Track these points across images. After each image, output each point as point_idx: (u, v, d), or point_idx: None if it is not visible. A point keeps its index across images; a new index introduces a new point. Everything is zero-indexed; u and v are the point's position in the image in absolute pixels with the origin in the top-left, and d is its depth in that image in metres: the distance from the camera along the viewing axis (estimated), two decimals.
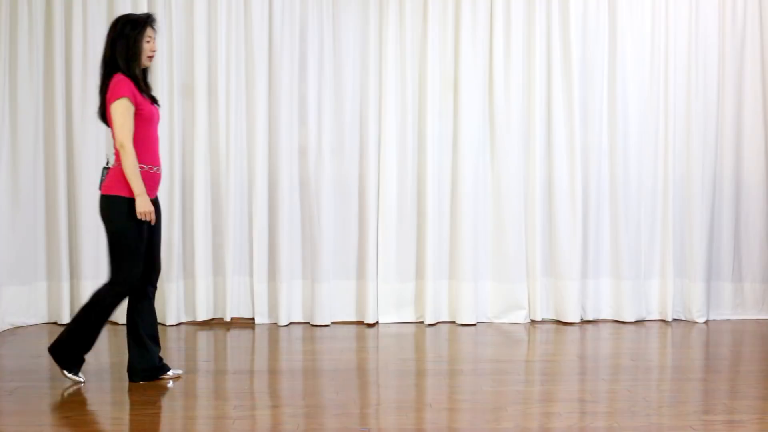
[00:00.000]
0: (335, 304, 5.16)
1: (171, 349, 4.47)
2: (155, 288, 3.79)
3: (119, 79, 3.57)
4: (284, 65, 5.07)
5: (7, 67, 4.97)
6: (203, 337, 4.77)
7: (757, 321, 5.27)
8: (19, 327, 4.99)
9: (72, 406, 3.35)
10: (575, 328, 5.05)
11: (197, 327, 5.05)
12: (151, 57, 3.68)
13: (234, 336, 4.83)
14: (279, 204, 5.08)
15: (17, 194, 5.00)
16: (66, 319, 5.03)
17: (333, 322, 5.12)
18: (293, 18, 5.09)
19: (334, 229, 5.14)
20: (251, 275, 5.16)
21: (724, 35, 5.24)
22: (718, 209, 5.30)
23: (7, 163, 4.98)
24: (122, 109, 3.53)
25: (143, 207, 3.54)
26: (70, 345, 3.66)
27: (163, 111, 5.04)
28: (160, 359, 3.78)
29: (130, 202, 3.55)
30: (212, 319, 5.18)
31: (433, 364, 4.17)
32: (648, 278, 5.27)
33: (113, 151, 3.66)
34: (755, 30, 5.26)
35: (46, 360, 4.21)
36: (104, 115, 3.68)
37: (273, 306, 5.14)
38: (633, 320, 5.20)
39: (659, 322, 5.22)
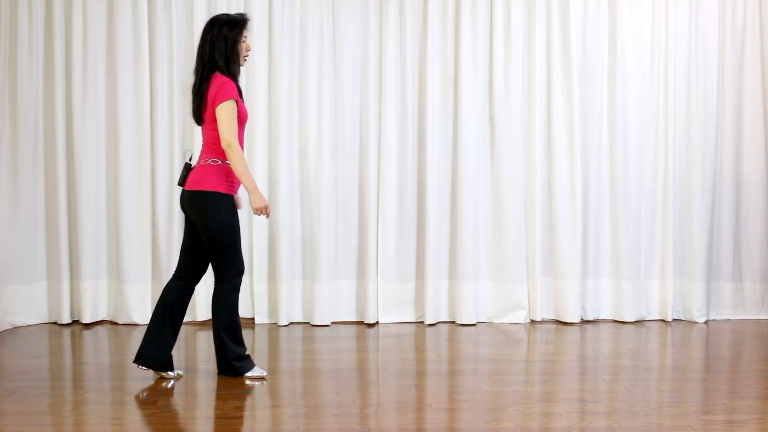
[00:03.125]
0: (335, 304, 5.16)
1: None
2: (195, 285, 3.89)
3: (225, 81, 3.59)
4: (284, 65, 5.07)
5: (7, 67, 4.97)
6: (203, 337, 4.77)
7: (757, 321, 5.28)
8: (19, 327, 4.99)
9: (72, 406, 3.36)
10: (575, 328, 5.05)
11: (197, 327, 5.05)
12: (246, 57, 3.75)
13: None
14: (279, 204, 5.08)
15: (17, 194, 5.00)
16: (66, 319, 5.04)
17: (333, 322, 5.12)
18: (293, 18, 5.09)
19: (334, 229, 5.14)
20: (251, 275, 5.16)
21: (724, 35, 5.24)
22: (718, 209, 5.30)
23: (7, 163, 4.98)
24: (230, 111, 3.56)
25: (260, 202, 3.64)
26: (231, 353, 3.74)
27: (163, 111, 5.07)
28: (171, 356, 3.82)
29: (229, 198, 3.64)
30: None
31: (433, 364, 4.17)
32: (648, 278, 5.27)
33: (202, 148, 3.71)
34: (755, 30, 5.26)
35: (46, 360, 4.21)
36: (200, 115, 3.68)
37: (273, 306, 5.14)
38: (633, 320, 5.21)
39: (659, 322, 5.22)
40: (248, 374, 3.76)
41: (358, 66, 5.15)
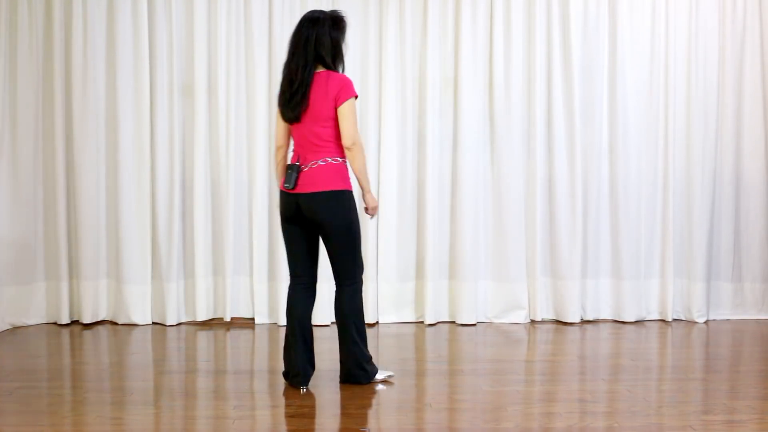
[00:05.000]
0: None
1: (171, 349, 4.48)
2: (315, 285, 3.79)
3: (346, 78, 3.53)
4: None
5: (7, 66, 4.97)
6: (203, 337, 4.77)
7: (757, 321, 5.28)
8: (19, 327, 4.99)
9: (72, 406, 3.35)
10: (575, 328, 5.05)
11: (197, 327, 5.05)
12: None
13: (234, 336, 4.83)
14: None
15: (17, 194, 5.00)
16: (66, 319, 5.04)
17: (333, 322, 5.12)
18: (293, 18, 5.08)
19: None
20: (251, 275, 5.16)
21: (724, 35, 5.24)
22: (718, 209, 5.30)
23: (7, 162, 4.98)
24: (353, 109, 3.50)
25: (374, 202, 3.64)
26: (364, 357, 3.66)
27: (163, 111, 5.06)
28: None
29: (352, 195, 3.59)
30: (212, 319, 5.19)
31: (433, 364, 4.16)
32: (648, 278, 5.27)
33: (313, 147, 3.54)
34: (755, 30, 5.26)
35: (46, 360, 4.21)
36: (300, 113, 3.52)
37: (273, 306, 5.14)
38: (633, 320, 5.21)
39: (659, 322, 5.22)
40: (378, 377, 3.70)
41: (358, 66, 5.14)
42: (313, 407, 3.34)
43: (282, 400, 3.48)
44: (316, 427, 3.08)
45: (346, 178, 3.56)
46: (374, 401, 3.44)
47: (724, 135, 5.28)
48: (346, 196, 3.54)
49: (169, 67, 5.05)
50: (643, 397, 3.48)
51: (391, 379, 3.74)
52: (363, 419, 3.19)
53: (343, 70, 3.62)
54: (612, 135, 5.23)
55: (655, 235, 5.26)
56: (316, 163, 3.52)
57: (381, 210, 5.13)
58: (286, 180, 3.54)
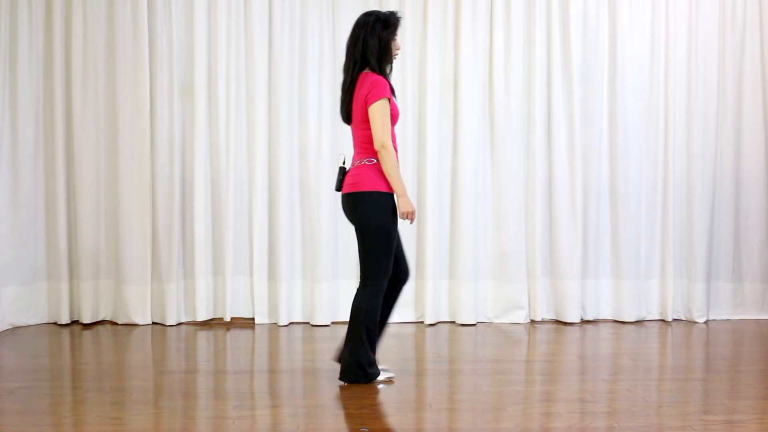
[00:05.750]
0: (335, 304, 5.16)
1: (171, 349, 4.48)
2: (402, 287, 3.79)
3: (377, 79, 3.52)
4: (284, 65, 5.07)
5: (7, 67, 4.97)
6: (203, 337, 4.77)
7: (757, 321, 5.28)
8: (19, 327, 4.99)
9: (72, 406, 3.35)
10: (575, 328, 5.05)
11: (197, 327, 5.05)
12: (396, 56, 3.68)
13: (234, 336, 4.83)
14: (279, 204, 5.08)
15: (17, 194, 5.00)
16: (66, 319, 5.04)
17: (333, 322, 5.12)
18: (293, 18, 5.09)
19: (334, 229, 5.14)
20: (251, 275, 5.16)
21: (724, 35, 5.24)
22: (718, 209, 5.30)
23: (7, 162, 4.98)
24: (384, 110, 3.50)
25: (408, 206, 3.56)
26: (365, 358, 3.63)
27: (163, 111, 5.06)
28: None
29: (389, 196, 3.56)
30: (212, 319, 5.19)
31: (433, 364, 4.17)
32: (648, 278, 5.27)
33: (355, 149, 3.63)
34: (755, 30, 5.26)
35: (46, 360, 4.21)
36: (349, 114, 3.62)
37: (273, 306, 5.14)
38: (633, 320, 5.21)
39: (659, 322, 5.22)
40: (379, 378, 3.69)
41: None
42: (313, 407, 3.34)
43: (282, 400, 3.48)
44: (316, 427, 3.08)
45: (377, 180, 3.54)
46: (374, 401, 3.44)
47: (724, 135, 5.28)
48: (373, 196, 3.53)
49: (169, 67, 5.05)
50: (643, 397, 3.48)
51: (391, 380, 3.74)
52: (363, 419, 3.19)
53: (390, 71, 3.63)
54: (612, 135, 5.23)
55: (655, 235, 5.26)
56: (355, 165, 3.60)
57: None
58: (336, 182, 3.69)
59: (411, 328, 5.03)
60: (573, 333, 4.92)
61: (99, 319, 5.13)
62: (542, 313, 5.24)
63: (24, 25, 4.99)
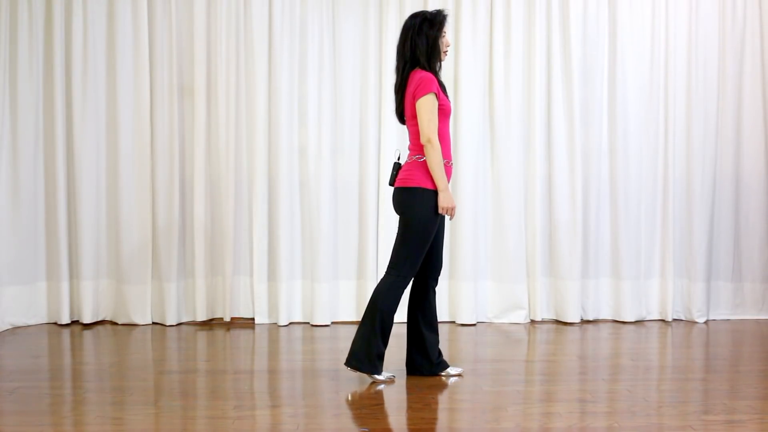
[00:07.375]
0: (335, 304, 5.16)
1: (171, 349, 4.48)
2: (436, 283, 3.87)
3: (424, 75, 3.57)
4: (284, 65, 5.07)
5: (7, 67, 4.97)
6: (203, 337, 4.77)
7: (757, 321, 5.28)
8: (19, 327, 5.00)
9: (72, 406, 3.35)
10: (575, 328, 5.05)
11: (197, 327, 5.05)
12: (446, 53, 3.71)
13: (234, 336, 4.83)
14: (279, 204, 5.08)
15: (17, 194, 5.00)
16: (66, 319, 5.04)
17: (333, 322, 5.12)
18: (293, 18, 5.09)
19: (334, 229, 5.14)
20: (251, 275, 5.16)
21: (724, 35, 5.25)
22: (718, 209, 5.30)
23: (7, 162, 4.98)
24: (430, 105, 3.54)
25: (447, 202, 3.59)
26: (371, 349, 3.65)
27: (163, 111, 5.06)
28: (439, 354, 3.85)
29: (435, 194, 3.59)
30: (212, 319, 5.19)
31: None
32: (648, 278, 5.27)
33: (409, 146, 3.70)
34: (755, 30, 5.26)
35: (46, 360, 4.21)
36: (403, 113, 3.70)
37: (273, 306, 5.15)
38: (633, 320, 5.21)
39: (659, 322, 5.23)
40: (377, 376, 3.70)
41: (357, 66, 5.15)
42: (313, 407, 3.34)
43: (282, 400, 3.48)
44: (316, 427, 3.08)
45: (424, 178, 3.59)
46: (374, 401, 3.44)
47: (724, 135, 5.28)
48: (420, 192, 3.59)
49: (169, 67, 5.05)
50: (643, 397, 3.48)
51: (391, 379, 3.74)
52: (363, 419, 3.18)
53: (438, 68, 3.67)
54: (612, 135, 5.23)
55: (655, 235, 5.26)
56: (408, 161, 3.67)
57: (381, 209, 5.13)
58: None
59: None
60: (573, 333, 4.92)
61: (99, 319, 5.13)
62: (542, 313, 5.24)
63: (24, 25, 4.99)
